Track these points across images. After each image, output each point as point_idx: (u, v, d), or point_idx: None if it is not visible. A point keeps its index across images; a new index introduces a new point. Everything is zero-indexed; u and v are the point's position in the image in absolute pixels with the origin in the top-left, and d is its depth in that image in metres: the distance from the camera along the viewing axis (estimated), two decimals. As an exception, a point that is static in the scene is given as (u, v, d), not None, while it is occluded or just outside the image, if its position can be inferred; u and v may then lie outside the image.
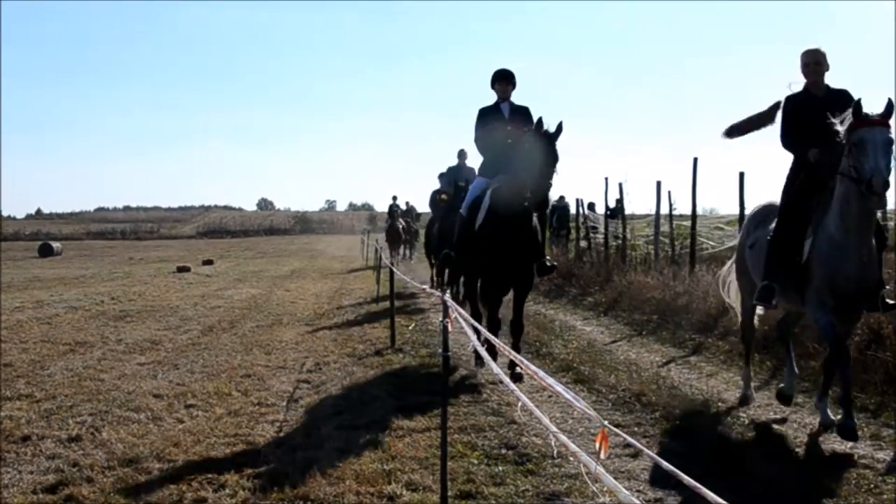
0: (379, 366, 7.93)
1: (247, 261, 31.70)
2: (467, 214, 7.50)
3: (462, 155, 12.59)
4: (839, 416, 5.03)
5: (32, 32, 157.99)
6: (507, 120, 7.37)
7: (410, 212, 28.92)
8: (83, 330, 10.89)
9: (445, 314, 4.16)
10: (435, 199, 13.86)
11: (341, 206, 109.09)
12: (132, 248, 46.33)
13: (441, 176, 13.63)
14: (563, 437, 2.25)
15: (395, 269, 10.03)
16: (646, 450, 1.95)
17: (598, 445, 1.92)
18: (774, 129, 5.78)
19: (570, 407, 2.31)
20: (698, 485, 1.59)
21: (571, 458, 4.49)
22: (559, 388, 2.14)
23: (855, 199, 4.90)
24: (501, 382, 2.93)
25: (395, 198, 27.83)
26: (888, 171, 4.80)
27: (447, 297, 4.35)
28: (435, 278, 14.11)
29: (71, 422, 5.82)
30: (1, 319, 11.78)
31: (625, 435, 2.08)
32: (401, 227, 26.74)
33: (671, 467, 1.70)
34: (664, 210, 13.83)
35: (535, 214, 7.00)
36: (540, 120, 6.59)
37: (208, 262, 29.11)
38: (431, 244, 14.12)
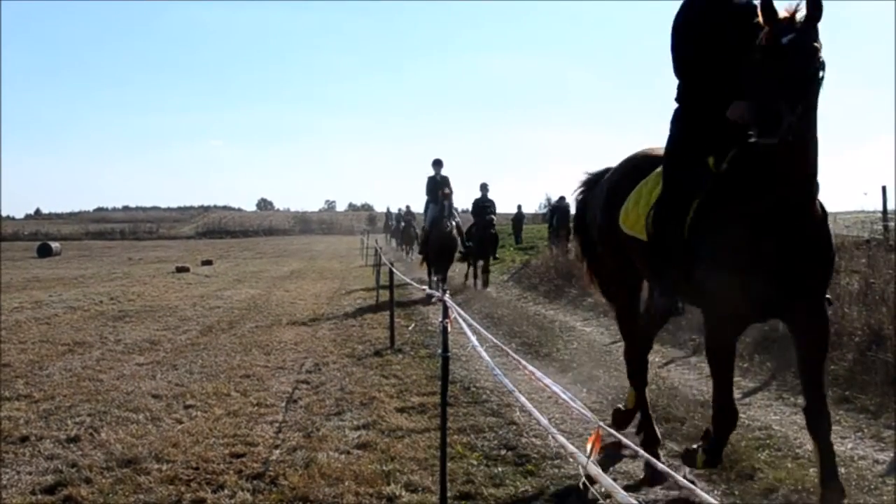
0: (378, 366, 7.93)
1: (246, 261, 31.69)
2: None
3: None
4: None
5: (32, 32, 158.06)
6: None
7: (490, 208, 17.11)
8: (82, 330, 10.89)
9: (445, 315, 4.16)
10: None
11: (341, 207, 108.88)
12: (131, 248, 46.32)
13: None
14: (562, 438, 2.25)
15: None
16: (640, 450, 1.95)
17: (589, 447, 1.92)
18: None
19: (569, 408, 2.31)
20: (692, 486, 1.58)
21: (571, 459, 4.49)
22: (557, 388, 2.14)
23: None
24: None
25: (438, 162, 14.97)
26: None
27: (447, 297, 4.35)
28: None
29: (69, 422, 5.82)
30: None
31: (620, 436, 2.08)
32: (453, 227, 14.80)
33: (666, 468, 1.70)
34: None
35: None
36: None
37: (207, 263, 29.11)
38: None
